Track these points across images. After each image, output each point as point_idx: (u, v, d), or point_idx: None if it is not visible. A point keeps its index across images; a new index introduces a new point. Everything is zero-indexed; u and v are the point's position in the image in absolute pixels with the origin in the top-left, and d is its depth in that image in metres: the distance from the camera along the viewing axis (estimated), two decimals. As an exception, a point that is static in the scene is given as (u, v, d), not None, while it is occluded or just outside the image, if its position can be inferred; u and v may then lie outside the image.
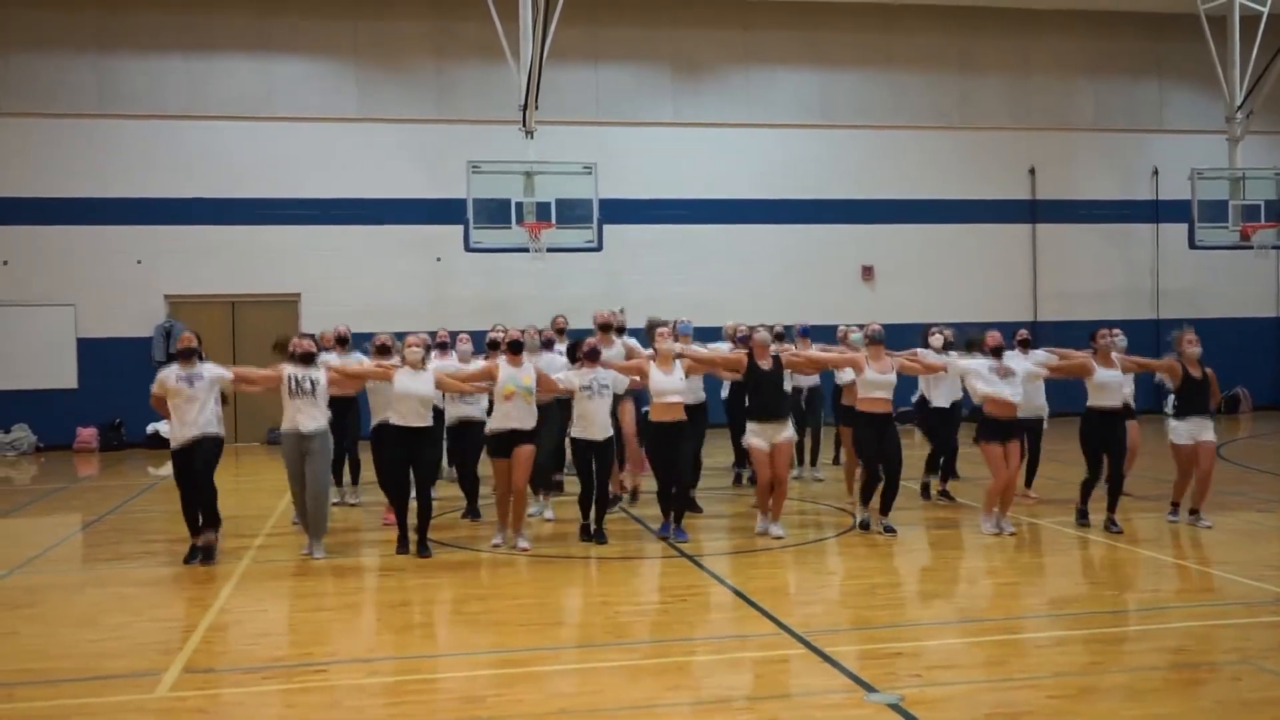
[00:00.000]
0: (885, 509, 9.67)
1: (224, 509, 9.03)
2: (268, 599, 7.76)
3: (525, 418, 9.03)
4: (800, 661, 6.02)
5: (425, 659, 6.30)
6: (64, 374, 18.08)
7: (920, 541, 9.49)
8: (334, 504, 10.62)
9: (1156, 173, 21.33)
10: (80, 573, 9.02)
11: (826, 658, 6.01)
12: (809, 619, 6.89)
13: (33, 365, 17.97)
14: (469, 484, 10.64)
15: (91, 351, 18.11)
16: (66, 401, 18.01)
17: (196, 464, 8.64)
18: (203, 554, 8.77)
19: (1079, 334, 11.42)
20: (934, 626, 6.82)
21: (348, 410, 10.69)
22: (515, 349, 9.10)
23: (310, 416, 8.85)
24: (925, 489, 11.49)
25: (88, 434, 17.95)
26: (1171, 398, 10.30)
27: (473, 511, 10.61)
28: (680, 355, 9.54)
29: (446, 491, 11.55)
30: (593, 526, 9.44)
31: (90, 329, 18.10)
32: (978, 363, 9.74)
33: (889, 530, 9.60)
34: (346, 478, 11.60)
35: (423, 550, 8.93)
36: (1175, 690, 5.55)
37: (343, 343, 11.25)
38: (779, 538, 9.41)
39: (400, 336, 9.80)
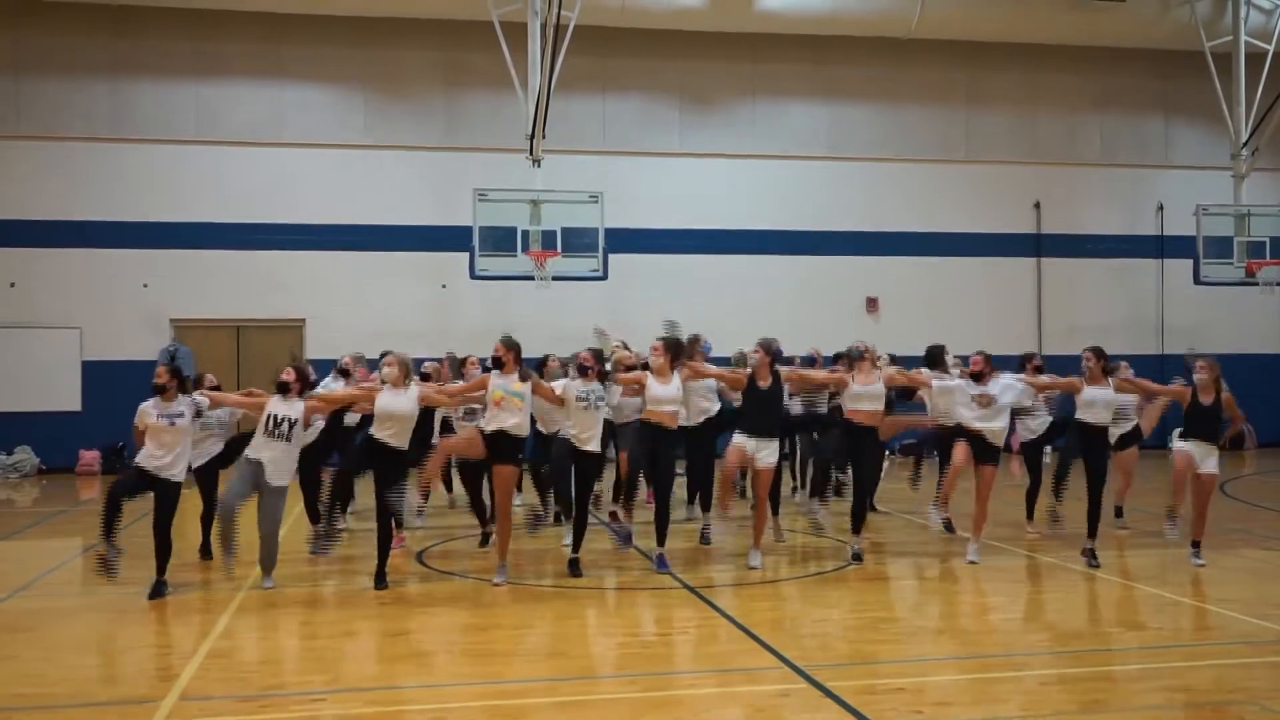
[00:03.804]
0: (854, 528, 9.83)
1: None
2: (267, 626, 7.74)
3: (514, 421, 8.74)
4: (801, 696, 5.98)
5: (424, 689, 6.26)
6: (68, 396, 18.12)
7: (922, 575, 9.46)
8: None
9: (1161, 208, 21.37)
10: (80, 597, 9.01)
11: (828, 692, 5.97)
12: (810, 653, 6.85)
13: (37, 387, 18.02)
14: (479, 506, 10.53)
15: (96, 374, 18.14)
16: (70, 424, 18.03)
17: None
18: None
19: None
20: (936, 662, 6.78)
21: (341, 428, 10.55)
22: (497, 364, 8.85)
23: (281, 471, 8.68)
24: (948, 524, 11.18)
25: (90, 457, 17.95)
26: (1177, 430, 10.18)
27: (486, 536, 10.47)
28: (684, 365, 9.60)
29: (452, 520, 11.53)
30: (571, 553, 9.31)
31: (95, 352, 18.15)
32: (958, 384, 9.80)
33: (855, 557, 9.69)
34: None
35: (379, 582, 8.79)
36: (1178, 730, 5.51)
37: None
38: (754, 568, 9.41)
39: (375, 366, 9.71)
